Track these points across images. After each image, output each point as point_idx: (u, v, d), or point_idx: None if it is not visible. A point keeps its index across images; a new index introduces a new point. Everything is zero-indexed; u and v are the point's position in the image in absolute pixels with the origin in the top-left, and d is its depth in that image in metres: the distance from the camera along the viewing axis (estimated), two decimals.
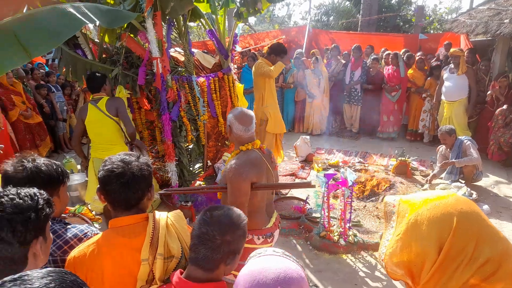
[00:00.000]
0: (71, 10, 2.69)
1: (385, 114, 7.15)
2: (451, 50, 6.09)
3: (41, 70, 7.28)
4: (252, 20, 17.55)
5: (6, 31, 2.31)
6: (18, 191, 1.09)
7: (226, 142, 5.46)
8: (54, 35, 2.52)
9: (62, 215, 1.70)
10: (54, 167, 1.49)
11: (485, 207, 4.32)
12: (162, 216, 1.42)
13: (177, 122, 4.14)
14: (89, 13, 2.81)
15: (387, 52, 7.31)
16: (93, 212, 1.91)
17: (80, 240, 1.45)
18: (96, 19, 2.85)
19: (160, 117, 4.03)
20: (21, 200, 1.05)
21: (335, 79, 7.56)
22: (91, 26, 4.40)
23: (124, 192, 1.33)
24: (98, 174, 1.37)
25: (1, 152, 3.81)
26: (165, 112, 3.98)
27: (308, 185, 2.34)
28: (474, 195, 4.58)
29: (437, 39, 8.14)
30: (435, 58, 7.21)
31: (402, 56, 7.05)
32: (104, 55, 4.22)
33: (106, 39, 4.26)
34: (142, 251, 1.30)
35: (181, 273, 1.25)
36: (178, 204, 4.11)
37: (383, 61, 7.39)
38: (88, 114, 3.43)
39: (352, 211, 3.97)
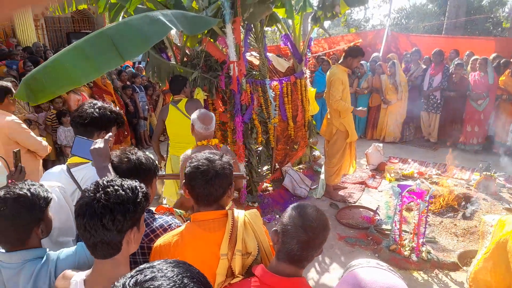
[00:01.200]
0: (161, 17, 2.91)
1: (469, 123, 6.59)
2: None
3: (129, 69, 7.99)
4: (326, 23, 17.32)
5: (104, 36, 2.58)
6: (123, 183, 1.19)
7: (295, 146, 5.47)
8: (144, 40, 2.75)
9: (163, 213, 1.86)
10: (151, 160, 1.65)
11: None
12: (240, 214, 1.48)
13: (248, 124, 4.25)
14: (175, 20, 3.02)
15: (474, 57, 6.72)
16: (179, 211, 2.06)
17: (165, 230, 1.56)
18: (180, 27, 3.05)
19: (233, 119, 4.18)
20: (123, 192, 1.15)
21: (412, 84, 7.16)
22: (173, 31, 4.72)
23: (207, 188, 1.43)
24: (185, 170, 1.48)
25: None
26: (238, 114, 4.12)
27: (241, 176, 2.60)
28: None
29: None
30: None
31: (492, 61, 6.44)
32: (185, 59, 4.49)
33: (188, 43, 4.53)
34: (222, 246, 1.37)
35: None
36: (245, 204, 4.22)
37: (469, 66, 6.81)
38: (169, 114, 3.68)
39: (427, 226, 3.73)
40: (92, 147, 1.55)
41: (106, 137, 1.63)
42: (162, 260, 0.81)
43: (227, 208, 1.52)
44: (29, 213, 1.36)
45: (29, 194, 1.37)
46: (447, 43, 8.08)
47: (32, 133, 3.38)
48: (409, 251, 3.46)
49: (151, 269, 0.76)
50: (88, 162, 1.86)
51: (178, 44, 4.79)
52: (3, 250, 1.38)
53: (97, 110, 1.91)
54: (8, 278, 1.33)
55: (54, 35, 11.42)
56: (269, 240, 1.51)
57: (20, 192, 1.36)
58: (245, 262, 1.39)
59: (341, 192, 5.05)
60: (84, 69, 2.43)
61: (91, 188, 1.16)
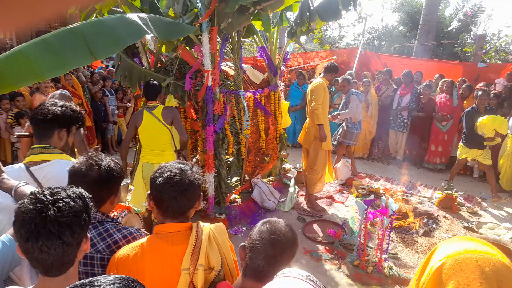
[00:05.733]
0: (137, 20, 2.86)
1: (433, 143, 6.85)
2: None
3: (101, 71, 7.79)
4: (302, 39, 17.67)
5: (76, 33, 2.50)
6: (68, 193, 1.11)
7: (266, 158, 5.49)
8: (117, 41, 2.68)
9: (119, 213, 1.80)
10: (119, 165, 1.60)
11: None
12: (205, 227, 1.45)
13: (220, 134, 4.23)
14: (151, 25, 2.98)
15: (443, 79, 7.03)
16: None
17: (129, 242, 1.50)
18: (156, 32, 3.01)
19: (205, 128, 4.14)
20: (74, 203, 1.09)
21: (382, 103, 7.39)
22: (148, 36, 4.66)
23: (181, 200, 1.38)
24: (154, 181, 1.40)
25: None
26: (210, 123, 4.09)
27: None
28: None
29: (499, 70, 7.70)
30: (492, 89, 6.82)
31: (458, 85, 6.75)
32: (159, 65, 4.43)
33: (163, 49, 4.48)
34: (184, 260, 1.33)
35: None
36: (212, 216, 4.17)
37: (438, 88, 7.11)
38: (143, 120, 3.58)
39: (390, 242, 3.81)
40: None
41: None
42: (102, 276, 0.78)
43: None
44: None
45: None
46: (417, 65, 8.41)
47: None
48: (372, 267, 3.51)
49: (84, 286, 0.74)
50: (50, 160, 1.80)
51: (152, 50, 4.73)
52: None
53: (59, 108, 1.88)
54: None
55: (23, 33, 11.00)
56: (234, 255, 1.48)
57: None
58: (207, 278, 1.36)
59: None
60: (50, 63, 2.31)
61: (33, 207, 1.04)
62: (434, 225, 4.58)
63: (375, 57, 9.49)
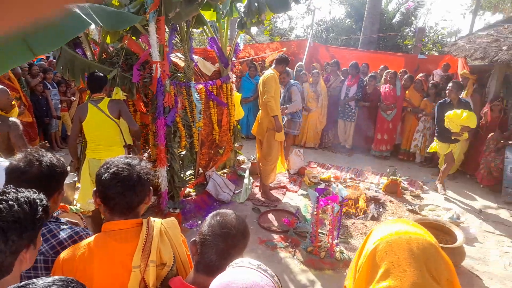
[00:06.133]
0: (77, 10, 2.69)
1: (379, 132, 7.21)
2: (461, 72, 6.15)
3: (41, 62, 7.26)
4: (253, 30, 17.70)
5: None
6: (18, 196, 1.03)
7: (220, 151, 5.47)
8: (59, 35, 2.51)
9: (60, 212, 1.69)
10: (62, 162, 1.50)
11: (472, 230, 4.35)
12: (156, 223, 1.41)
13: (171, 127, 4.14)
14: (94, 15, 2.82)
15: (387, 70, 7.38)
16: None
17: (75, 242, 1.43)
18: (100, 22, 2.85)
19: (155, 121, 4.03)
20: (19, 208, 1.00)
21: (331, 94, 7.62)
22: (92, 26, 4.41)
23: (129, 196, 1.32)
24: (100, 177, 1.33)
25: None
26: (160, 116, 3.98)
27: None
28: (462, 218, 4.61)
29: (436, 61, 8.25)
30: (431, 79, 7.30)
31: (400, 75, 7.13)
32: (104, 56, 4.22)
33: (108, 39, 4.26)
34: (134, 257, 1.29)
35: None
36: (166, 211, 4.08)
37: (382, 79, 7.46)
38: (88, 114, 3.40)
39: (341, 227, 3.98)
40: None
41: None
42: (39, 278, 0.74)
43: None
44: None
45: None
46: (363, 56, 8.77)
47: None
48: (325, 252, 3.65)
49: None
50: None
51: (97, 40, 4.48)
52: None
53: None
54: None
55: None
56: (187, 249, 1.46)
57: None
58: (160, 274, 1.33)
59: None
60: None
61: None
62: (381, 209, 4.84)
63: (324, 49, 9.75)
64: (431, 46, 12.63)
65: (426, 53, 11.58)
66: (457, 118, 4.90)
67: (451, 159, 5.43)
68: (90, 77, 3.52)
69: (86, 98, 4.10)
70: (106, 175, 1.31)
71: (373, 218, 4.59)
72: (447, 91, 5.23)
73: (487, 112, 5.92)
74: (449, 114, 4.98)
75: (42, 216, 1.07)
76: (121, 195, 1.31)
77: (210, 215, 1.31)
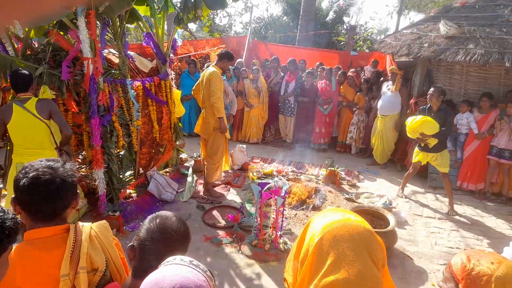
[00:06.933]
0: None
1: (317, 126, 7.50)
2: (391, 67, 6.57)
3: None
4: (193, 27, 17.45)
5: None
6: None
7: (161, 149, 5.34)
8: None
9: None
10: None
11: (403, 214, 4.71)
12: (85, 227, 1.34)
13: (107, 127, 3.95)
14: None
15: (322, 66, 7.70)
16: None
17: None
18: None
19: (89, 121, 3.82)
20: None
21: (272, 90, 7.78)
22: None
23: (52, 201, 1.24)
24: (18, 182, 1.24)
25: None
26: (95, 115, 3.79)
27: None
28: (394, 204, 4.98)
29: (367, 57, 8.77)
30: (362, 75, 7.76)
31: (335, 71, 7.48)
32: (28, 52, 3.90)
33: (32, 34, 3.95)
34: (62, 265, 1.22)
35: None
36: (105, 214, 3.91)
37: (318, 74, 7.76)
38: (13, 115, 3.14)
39: (284, 219, 4.09)
40: None
41: None
42: None
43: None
44: None
45: None
46: (300, 53, 9.05)
47: None
48: (269, 244, 3.73)
49: None
50: None
51: (19, 35, 4.13)
52: None
53: None
54: None
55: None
56: (121, 253, 1.41)
57: None
58: (92, 280, 1.27)
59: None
60: None
61: None
62: (321, 200, 5.06)
63: (263, 45, 9.90)
64: (361, 43, 13.38)
65: (358, 49, 12.27)
66: (417, 127, 4.66)
67: (441, 175, 5.01)
68: (13, 75, 3.24)
69: (10, 98, 3.78)
70: (24, 180, 1.22)
71: (314, 208, 4.78)
72: (428, 96, 4.83)
73: (413, 106, 6.42)
74: (407, 121, 4.82)
75: (12, 231, 1.02)
76: (44, 200, 1.23)
77: (148, 218, 1.26)
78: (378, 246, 1.30)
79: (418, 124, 4.62)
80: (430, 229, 4.50)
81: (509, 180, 5.37)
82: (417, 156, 5.07)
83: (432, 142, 4.75)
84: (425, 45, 5.94)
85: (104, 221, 1.42)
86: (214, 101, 4.55)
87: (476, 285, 1.17)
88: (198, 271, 1.00)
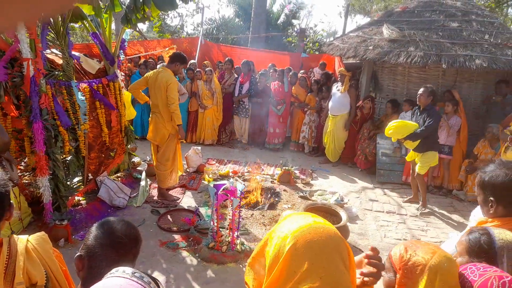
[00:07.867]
0: None
1: (271, 126, 7.61)
2: (340, 69, 6.80)
3: None
4: (144, 27, 16.96)
5: None
6: None
7: (111, 154, 5.13)
8: None
9: None
10: None
11: (354, 210, 4.91)
12: (21, 240, 1.26)
13: (51, 131, 3.74)
14: None
15: (274, 68, 7.82)
16: None
17: None
18: None
19: (31, 126, 3.59)
20: None
21: (226, 91, 7.77)
22: None
23: None
24: None
25: None
26: (37, 120, 3.56)
27: None
28: (345, 200, 5.18)
29: (317, 59, 9.05)
30: (312, 76, 7.99)
31: (286, 73, 7.63)
32: None
33: None
34: None
35: None
36: (52, 223, 3.69)
37: (270, 75, 7.86)
38: None
39: (241, 220, 4.10)
40: None
41: None
42: None
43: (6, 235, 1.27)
44: None
45: None
46: (252, 55, 9.13)
47: None
48: (226, 246, 3.73)
49: None
50: None
51: None
52: None
53: None
54: None
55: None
56: (62, 265, 1.34)
57: None
58: None
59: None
60: None
61: None
62: (276, 199, 5.14)
63: (216, 47, 9.86)
64: (311, 45, 13.77)
65: (308, 51, 12.61)
66: (385, 129, 4.81)
67: (415, 175, 5.06)
68: None
69: None
70: None
71: (270, 207, 4.84)
72: (417, 96, 4.83)
73: (360, 109, 6.70)
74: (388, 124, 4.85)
75: None
76: None
77: (94, 226, 1.21)
78: (345, 247, 1.29)
79: (387, 129, 4.76)
80: (379, 223, 4.73)
81: (449, 174, 5.79)
82: (409, 155, 5.15)
83: (407, 144, 4.87)
84: (370, 47, 6.24)
85: (42, 233, 1.34)
86: (174, 109, 4.47)
87: (412, 274, 1.23)
88: (140, 284, 0.95)
